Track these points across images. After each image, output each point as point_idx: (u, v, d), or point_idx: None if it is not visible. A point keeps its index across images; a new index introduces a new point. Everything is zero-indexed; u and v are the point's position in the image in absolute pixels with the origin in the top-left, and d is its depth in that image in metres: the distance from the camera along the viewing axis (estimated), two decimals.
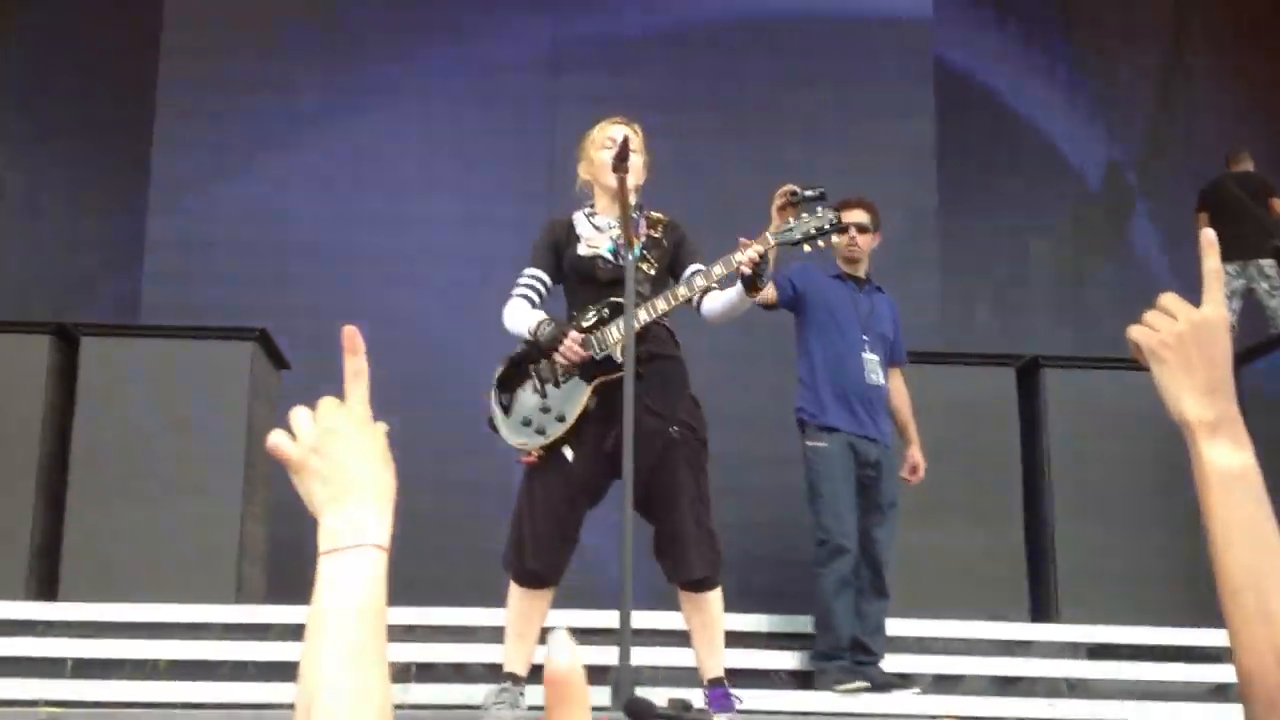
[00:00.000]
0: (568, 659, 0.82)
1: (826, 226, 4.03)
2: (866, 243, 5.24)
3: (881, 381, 5.16)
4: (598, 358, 4.03)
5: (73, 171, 9.30)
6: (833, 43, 9.05)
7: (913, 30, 8.98)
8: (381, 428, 1.21)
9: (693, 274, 4.14)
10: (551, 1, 9.00)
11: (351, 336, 1.23)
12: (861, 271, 5.26)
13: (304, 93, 8.81)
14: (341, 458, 1.18)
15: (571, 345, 4.00)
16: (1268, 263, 7.85)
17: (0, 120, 9.34)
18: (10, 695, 4.76)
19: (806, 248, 4.07)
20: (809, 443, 5.08)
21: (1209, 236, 1.31)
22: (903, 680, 5.06)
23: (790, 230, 4.00)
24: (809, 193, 4.17)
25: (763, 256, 3.93)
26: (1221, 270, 1.30)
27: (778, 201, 4.06)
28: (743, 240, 3.96)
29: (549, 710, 0.85)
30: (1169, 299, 1.30)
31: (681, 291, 4.06)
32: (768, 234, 4.00)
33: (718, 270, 4.01)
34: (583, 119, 4.53)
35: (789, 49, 9.09)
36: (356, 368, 1.23)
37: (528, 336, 4.11)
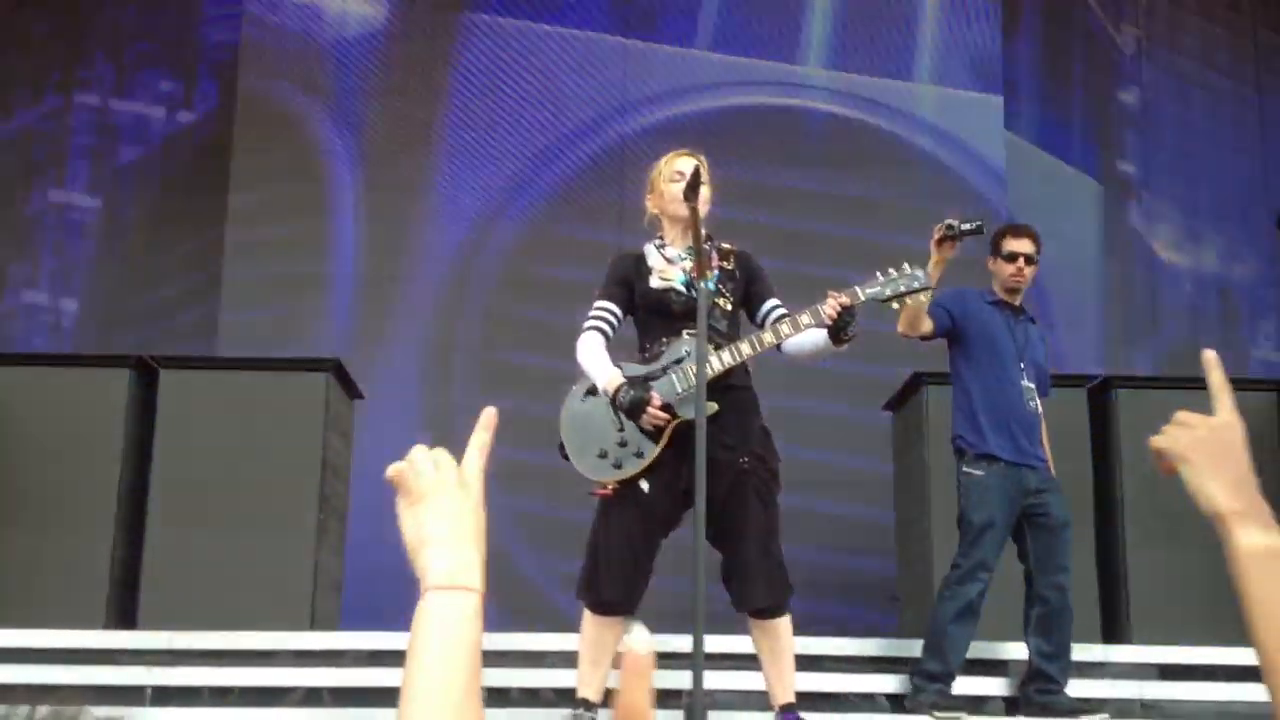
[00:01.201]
0: (647, 641, 1.05)
1: (916, 286, 4.09)
2: (1031, 273, 5.12)
3: (1039, 410, 5.07)
4: (678, 396, 4.05)
5: (152, 204, 9.47)
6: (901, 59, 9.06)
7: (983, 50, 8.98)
8: (482, 512, 1.32)
9: (778, 319, 4.18)
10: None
11: (489, 416, 1.35)
12: (1018, 300, 5.16)
13: (371, 125, 8.94)
14: (458, 504, 1.28)
15: (654, 414, 4.03)
16: None
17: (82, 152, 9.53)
18: None
19: (895, 305, 4.12)
20: (965, 469, 4.98)
21: (1209, 357, 1.44)
22: (1086, 704, 4.96)
23: (880, 288, 4.07)
24: (966, 226, 4.23)
25: (850, 309, 3.97)
26: (1227, 383, 1.43)
27: (935, 235, 4.16)
28: (831, 293, 4.01)
29: (622, 684, 1.05)
30: (1185, 414, 1.44)
31: (768, 338, 4.10)
32: (857, 289, 4.05)
33: (805, 319, 4.06)
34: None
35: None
36: (483, 442, 1.33)
37: (600, 391, 4.12)
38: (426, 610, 1.22)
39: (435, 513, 1.27)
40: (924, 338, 4.96)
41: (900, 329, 4.87)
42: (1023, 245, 5.06)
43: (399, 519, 1.29)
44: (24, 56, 9.37)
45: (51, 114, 9.31)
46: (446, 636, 1.21)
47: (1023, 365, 5.02)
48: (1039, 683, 4.94)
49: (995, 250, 5.10)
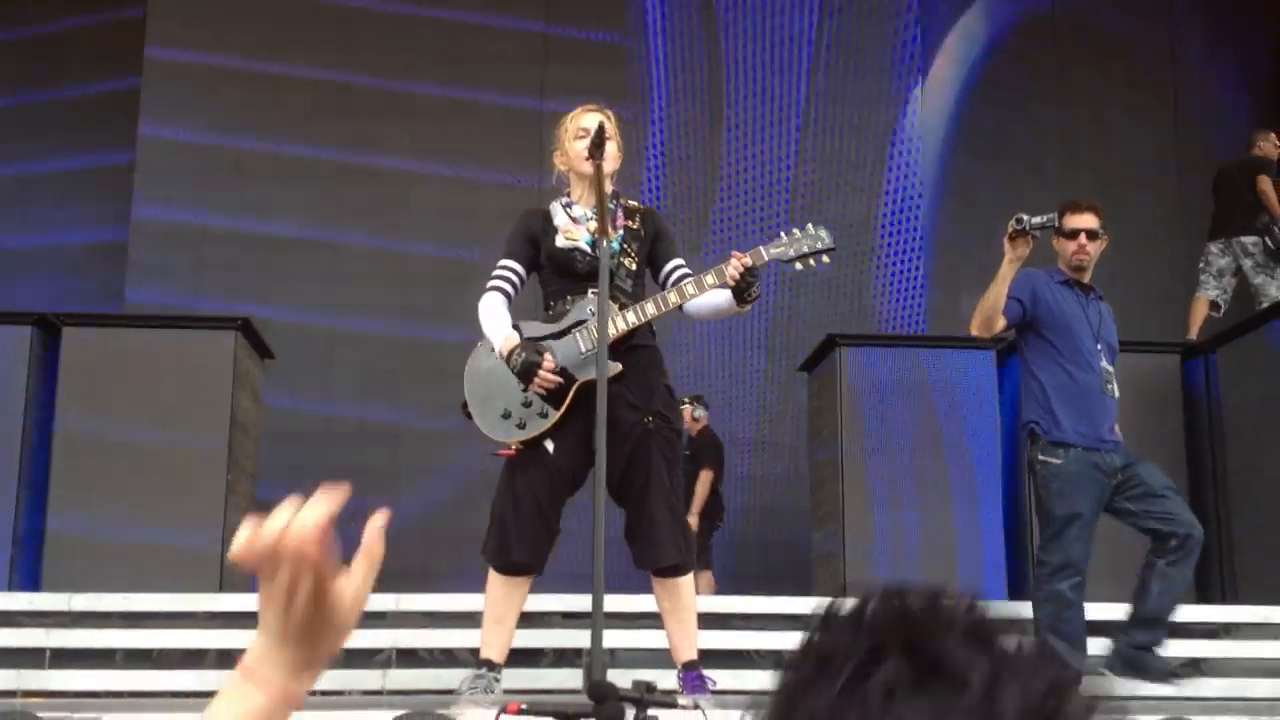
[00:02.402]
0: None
1: (819, 247, 4.07)
2: (1095, 249, 4.82)
3: (1117, 393, 4.79)
4: (580, 356, 4.03)
5: (59, 164, 9.31)
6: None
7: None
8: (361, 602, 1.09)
9: (682, 278, 4.16)
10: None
11: (376, 532, 1.09)
12: (1087, 278, 4.87)
13: (296, 87, 8.85)
14: (333, 613, 1.06)
15: (546, 378, 4.01)
16: (1250, 240, 7.90)
17: None
18: None
19: (799, 266, 4.11)
20: (1041, 457, 4.68)
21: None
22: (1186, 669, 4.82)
23: (784, 248, 4.06)
24: (1037, 220, 4.21)
25: (753, 269, 3.96)
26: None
27: (1007, 231, 4.18)
28: (735, 254, 3.99)
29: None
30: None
31: (673, 298, 4.07)
32: (761, 249, 4.04)
33: (709, 280, 4.03)
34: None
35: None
36: (374, 554, 1.09)
37: (495, 351, 4.09)
38: (236, 688, 1.04)
39: (312, 615, 1.05)
40: (995, 335, 4.78)
41: (974, 330, 4.69)
42: (1084, 220, 4.79)
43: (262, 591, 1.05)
44: None
45: None
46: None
47: (1099, 346, 4.76)
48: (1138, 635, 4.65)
49: (1057, 229, 4.78)
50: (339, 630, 1.06)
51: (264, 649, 1.05)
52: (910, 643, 0.75)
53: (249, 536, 1.02)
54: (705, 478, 8.05)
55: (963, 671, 0.73)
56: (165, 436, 5.78)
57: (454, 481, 8.09)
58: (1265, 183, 7.95)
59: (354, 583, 1.07)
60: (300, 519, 1.01)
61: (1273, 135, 8.32)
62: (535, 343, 4.06)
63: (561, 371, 4.02)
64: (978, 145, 9.52)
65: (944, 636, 0.75)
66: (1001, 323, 4.63)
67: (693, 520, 7.76)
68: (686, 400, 7.80)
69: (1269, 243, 7.83)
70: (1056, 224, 4.54)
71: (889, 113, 9.11)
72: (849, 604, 0.80)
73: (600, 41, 9.10)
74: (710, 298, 4.10)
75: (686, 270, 4.23)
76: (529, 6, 9.11)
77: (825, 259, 4.15)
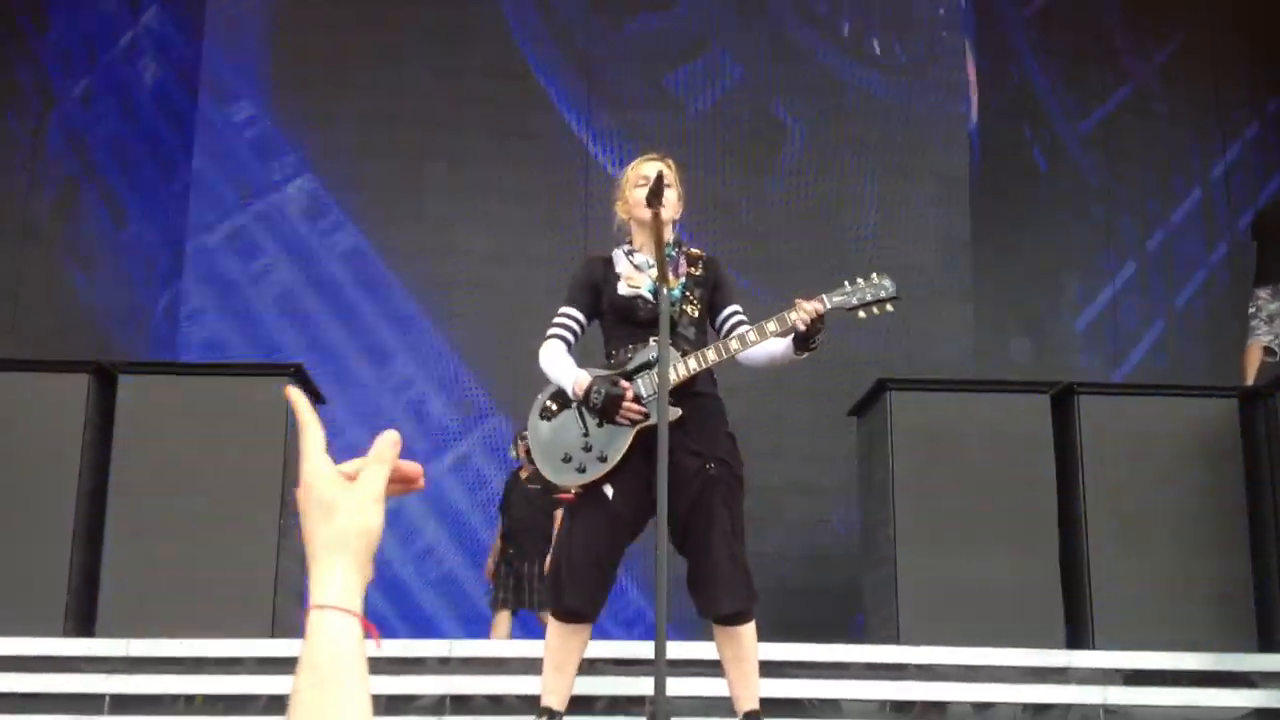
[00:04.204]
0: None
1: (883, 295, 4.07)
2: None
3: None
4: (644, 402, 4.03)
5: (112, 212, 9.42)
6: (868, 74, 9.14)
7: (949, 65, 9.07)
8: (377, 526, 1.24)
9: (739, 324, 4.17)
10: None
11: (387, 443, 1.28)
12: None
13: (338, 124, 8.94)
14: (361, 522, 1.23)
15: (631, 408, 4.01)
16: None
17: (42, 162, 9.47)
18: None
19: (861, 315, 4.10)
20: None
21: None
22: None
23: (847, 296, 4.06)
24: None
25: (821, 318, 3.96)
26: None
27: None
28: (799, 301, 3.99)
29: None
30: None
31: (734, 346, 4.07)
32: (825, 297, 4.03)
33: (771, 327, 4.02)
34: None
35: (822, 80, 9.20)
36: (385, 464, 1.27)
37: (570, 394, 4.09)
38: (322, 627, 1.17)
39: (342, 526, 1.22)
40: None
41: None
42: None
43: (302, 515, 1.23)
44: None
45: None
46: (344, 656, 1.16)
47: None
48: None
49: None
50: (376, 525, 1.23)
51: (345, 578, 1.19)
52: None
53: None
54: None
55: None
56: (219, 482, 5.80)
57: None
58: None
59: (376, 484, 1.25)
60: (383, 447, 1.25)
61: None
62: (609, 377, 4.06)
63: (638, 399, 4.02)
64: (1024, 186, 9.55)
65: None
66: None
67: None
68: (524, 435, 7.73)
69: None
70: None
71: (936, 152, 9.13)
72: None
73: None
74: (767, 346, 4.10)
75: (744, 317, 4.23)
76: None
77: (889, 308, 4.14)
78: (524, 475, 7.86)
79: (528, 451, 4.21)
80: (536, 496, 7.75)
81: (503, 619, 7.71)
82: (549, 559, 4.17)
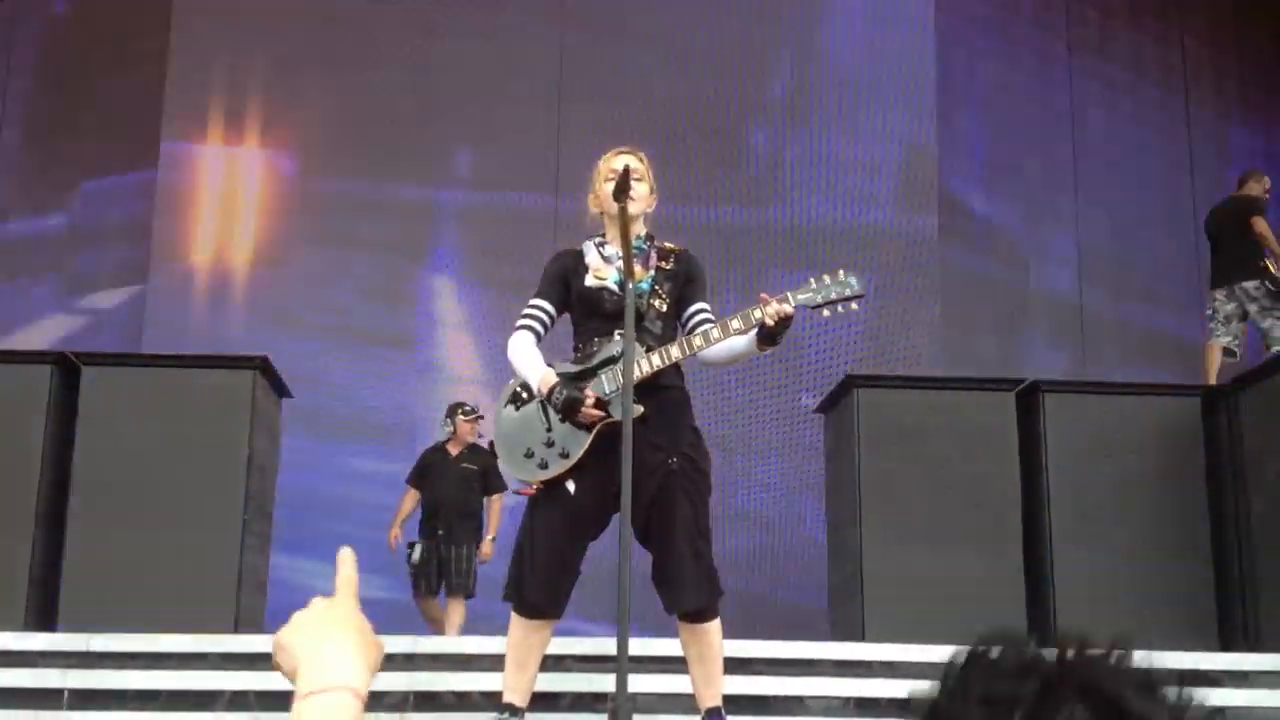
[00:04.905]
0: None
1: (848, 293, 4.06)
2: None
3: None
4: (605, 398, 4.02)
5: (78, 203, 9.36)
6: (834, 60, 9.16)
7: (914, 42, 9.11)
8: (367, 625, 1.18)
9: (703, 322, 4.15)
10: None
11: (345, 560, 1.23)
12: None
13: (317, 124, 8.91)
14: (321, 623, 1.16)
15: (589, 412, 3.99)
16: (1251, 284, 7.86)
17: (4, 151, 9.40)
18: None
19: (826, 312, 4.09)
20: None
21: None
22: None
23: (812, 294, 4.04)
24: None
25: (788, 317, 3.95)
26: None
27: None
28: (764, 296, 3.97)
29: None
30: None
31: (698, 343, 4.05)
32: (789, 294, 4.02)
33: (735, 324, 4.00)
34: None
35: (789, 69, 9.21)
36: (348, 576, 1.22)
37: (534, 390, 4.07)
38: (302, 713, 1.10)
39: (306, 633, 1.15)
40: None
41: None
42: None
43: (276, 654, 1.16)
44: None
45: None
46: None
47: None
48: None
49: None
50: (346, 611, 1.19)
51: (315, 665, 1.13)
52: (1087, 688, 0.75)
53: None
54: (500, 501, 7.85)
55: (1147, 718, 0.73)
56: (183, 475, 5.77)
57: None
58: (1262, 224, 7.90)
59: (342, 598, 1.20)
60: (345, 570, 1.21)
61: (1265, 176, 8.26)
62: (572, 377, 4.05)
63: (598, 404, 4.01)
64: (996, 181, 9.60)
65: (1120, 684, 0.75)
66: None
67: (490, 548, 7.72)
68: (478, 411, 7.74)
69: (1269, 285, 7.80)
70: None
71: (903, 147, 9.15)
72: (996, 650, 0.80)
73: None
74: (730, 342, 4.09)
75: (709, 314, 4.21)
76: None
77: (854, 305, 4.14)
78: (455, 452, 7.76)
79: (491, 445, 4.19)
80: (473, 478, 7.67)
81: (431, 605, 7.62)
82: (514, 557, 4.14)
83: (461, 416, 7.73)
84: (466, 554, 7.58)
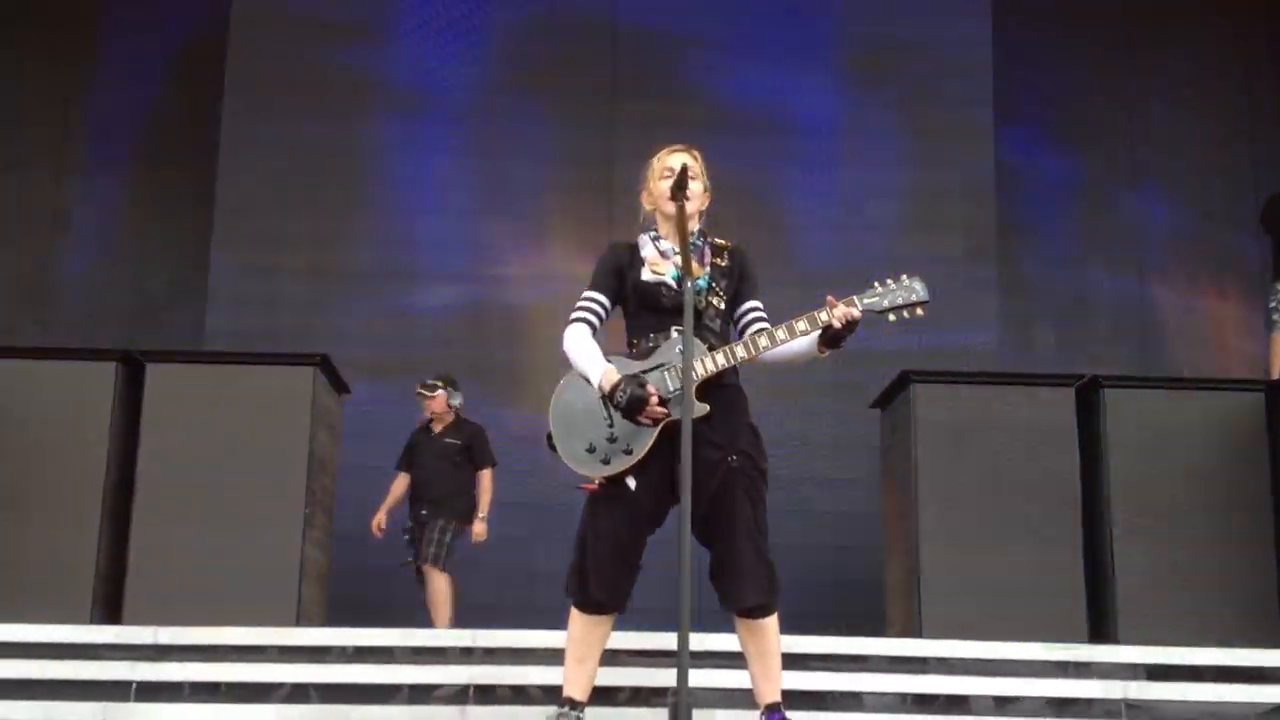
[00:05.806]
0: None
1: (914, 299, 4.04)
2: None
3: None
4: (668, 396, 4.01)
5: (139, 202, 9.49)
6: (895, 64, 9.14)
7: (974, 51, 9.06)
8: None
9: (756, 319, 4.14)
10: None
11: None
12: None
13: (368, 120, 8.99)
14: None
15: (654, 411, 3.99)
16: None
17: (69, 153, 9.54)
18: (75, 719, 4.82)
19: (891, 318, 4.07)
20: None
21: None
22: None
23: (878, 299, 4.02)
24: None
25: (855, 321, 3.94)
26: None
27: None
28: (830, 299, 3.96)
29: None
30: None
31: (764, 343, 4.03)
32: (855, 299, 4.00)
33: (801, 326, 3.99)
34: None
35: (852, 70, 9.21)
36: None
37: (595, 386, 4.05)
38: None
39: None
40: None
41: None
42: None
43: None
44: None
45: None
46: None
47: None
48: None
49: None
50: None
51: None
52: None
53: None
54: (490, 476, 7.71)
55: None
56: (245, 471, 5.84)
57: (529, 515, 8.15)
58: None
59: None
60: None
61: None
62: (636, 376, 4.03)
63: (662, 403, 4.00)
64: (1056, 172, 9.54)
65: None
66: None
67: (483, 526, 7.61)
68: (439, 383, 7.61)
69: None
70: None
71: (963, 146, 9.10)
72: None
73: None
74: (791, 344, 4.07)
75: (762, 312, 4.19)
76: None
77: (920, 311, 4.11)
78: (438, 430, 7.66)
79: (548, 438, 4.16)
80: (456, 454, 7.59)
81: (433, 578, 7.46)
82: (576, 552, 4.14)
83: (420, 391, 7.62)
84: (441, 525, 7.41)
